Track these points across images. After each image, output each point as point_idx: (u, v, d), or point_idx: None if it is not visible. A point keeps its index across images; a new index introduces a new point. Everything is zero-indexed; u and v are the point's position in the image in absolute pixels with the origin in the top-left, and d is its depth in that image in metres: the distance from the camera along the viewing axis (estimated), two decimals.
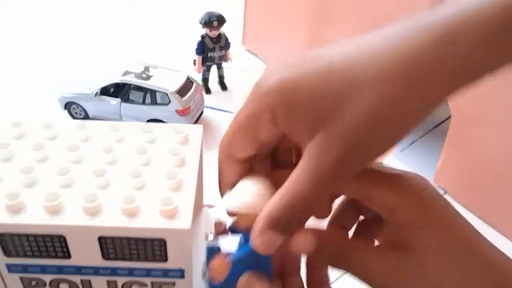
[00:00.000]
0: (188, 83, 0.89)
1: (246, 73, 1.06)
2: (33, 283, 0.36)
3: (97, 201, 0.33)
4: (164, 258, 0.34)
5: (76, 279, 0.36)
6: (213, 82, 1.04)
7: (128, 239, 0.33)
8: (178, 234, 0.33)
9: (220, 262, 0.30)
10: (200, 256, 0.43)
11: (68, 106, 0.91)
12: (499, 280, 0.25)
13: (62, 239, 0.33)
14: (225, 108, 0.98)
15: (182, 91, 0.86)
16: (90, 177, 0.35)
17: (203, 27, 0.96)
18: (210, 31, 0.96)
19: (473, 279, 0.24)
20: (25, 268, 0.35)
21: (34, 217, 0.32)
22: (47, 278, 0.36)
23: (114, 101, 0.87)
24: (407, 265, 0.24)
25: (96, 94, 0.88)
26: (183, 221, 0.33)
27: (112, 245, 0.34)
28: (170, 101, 0.85)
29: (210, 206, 0.47)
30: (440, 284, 0.24)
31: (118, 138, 0.39)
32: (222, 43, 0.99)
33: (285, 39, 1.00)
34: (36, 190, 0.34)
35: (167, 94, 0.84)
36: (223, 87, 1.03)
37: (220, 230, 0.31)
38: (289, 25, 0.98)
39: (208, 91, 1.02)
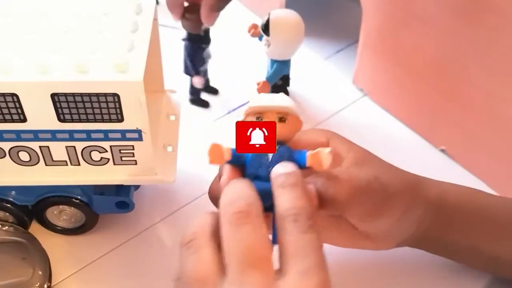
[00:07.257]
0: None
1: None
2: None
3: (49, 60, 0.33)
4: (120, 118, 0.35)
5: (35, 146, 0.36)
6: None
7: (82, 96, 0.33)
8: (131, 87, 0.33)
9: (217, 148, 0.31)
10: (161, 132, 0.43)
11: None
12: (413, 178, 0.37)
13: (15, 98, 0.33)
14: None
15: None
16: (43, 43, 0.35)
17: None
18: None
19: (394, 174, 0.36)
20: None
21: None
22: (6, 146, 0.36)
23: None
24: None
25: None
26: (135, 74, 0.33)
27: (66, 104, 0.34)
28: None
29: (172, 91, 0.47)
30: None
31: (72, 11, 0.39)
32: None
33: None
34: None
35: None
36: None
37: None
38: None
39: None
